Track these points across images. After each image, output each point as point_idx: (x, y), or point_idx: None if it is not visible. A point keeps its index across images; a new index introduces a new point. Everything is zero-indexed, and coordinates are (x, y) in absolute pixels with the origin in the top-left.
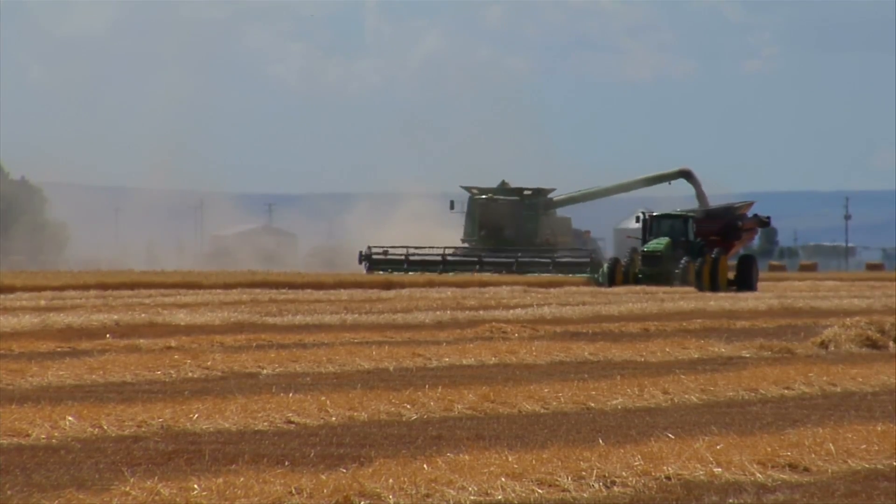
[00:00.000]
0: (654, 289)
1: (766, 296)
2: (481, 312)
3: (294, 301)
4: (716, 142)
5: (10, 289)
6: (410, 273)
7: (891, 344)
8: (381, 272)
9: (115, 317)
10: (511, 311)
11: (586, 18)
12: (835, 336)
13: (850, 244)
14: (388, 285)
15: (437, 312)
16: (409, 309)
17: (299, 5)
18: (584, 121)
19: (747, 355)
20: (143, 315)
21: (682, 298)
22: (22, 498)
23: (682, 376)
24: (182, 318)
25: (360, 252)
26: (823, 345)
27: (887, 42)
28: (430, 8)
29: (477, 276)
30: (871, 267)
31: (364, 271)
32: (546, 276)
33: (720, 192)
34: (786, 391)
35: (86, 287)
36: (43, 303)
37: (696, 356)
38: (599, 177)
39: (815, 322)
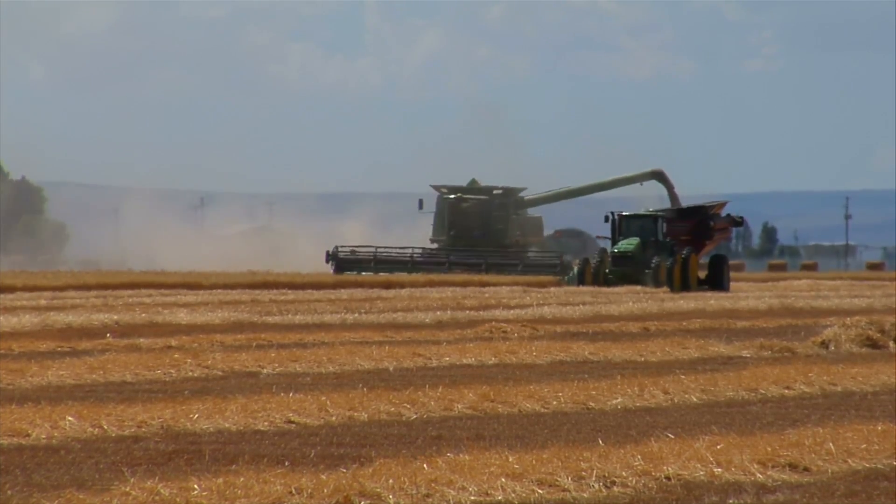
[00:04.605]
0: (653, 289)
1: (766, 295)
2: (481, 312)
3: (294, 301)
4: (715, 141)
5: (10, 289)
6: (378, 273)
7: (891, 343)
8: (349, 273)
9: (115, 316)
10: (511, 311)
11: (586, 18)
12: (835, 336)
13: (850, 244)
14: (388, 285)
15: (438, 312)
16: (410, 308)
17: (299, 5)
18: (582, 120)
19: (747, 355)
20: (143, 315)
21: (681, 298)
22: (22, 498)
23: (682, 376)
24: (182, 317)
25: (328, 252)
26: (824, 344)
27: (887, 42)
28: (431, 7)
29: (476, 277)
30: (872, 266)
31: (332, 271)
32: (514, 277)
33: (705, 193)
34: (786, 391)
35: (86, 287)
36: (43, 302)
37: (697, 356)
38: (596, 176)
39: (816, 322)
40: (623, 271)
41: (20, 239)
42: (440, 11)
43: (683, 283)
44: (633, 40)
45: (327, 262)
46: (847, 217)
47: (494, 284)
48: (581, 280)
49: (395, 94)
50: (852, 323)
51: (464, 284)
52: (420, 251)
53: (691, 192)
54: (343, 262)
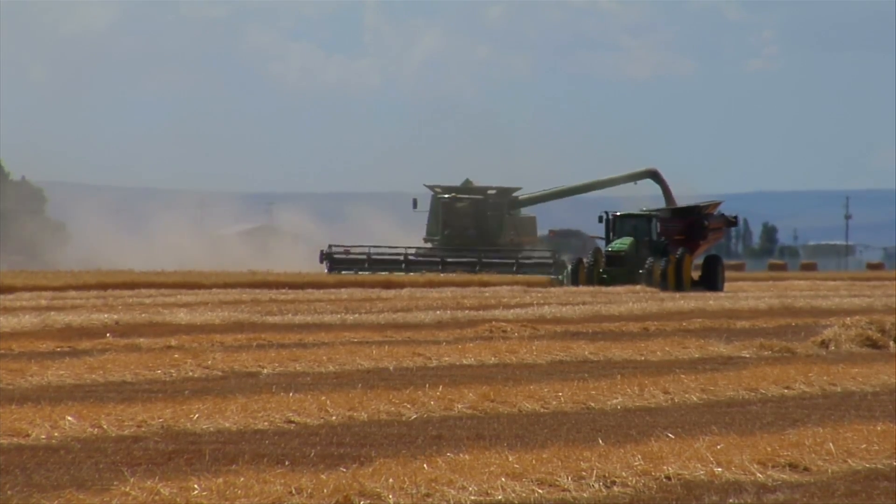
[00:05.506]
0: (651, 289)
1: (766, 295)
2: (481, 312)
3: (294, 301)
4: (716, 141)
5: (10, 289)
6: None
7: (891, 343)
8: (343, 272)
9: (115, 316)
10: (511, 311)
11: (586, 18)
12: (835, 336)
13: (850, 244)
14: (388, 285)
15: (437, 312)
16: (409, 308)
17: (299, 5)
18: (583, 119)
19: (747, 355)
20: (143, 314)
21: (682, 298)
22: (22, 498)
23: (683, 376)
24: (182, 317)
25: (322, 251)
26: (824, 344)
27: (887, 42)
28: (430, 7)
29: (476, 276)
30: (872, 266)
31: (326, 271)
32: (507, 277)
33: (705, 193)
34: (786, 391)
35: (86, 287)
36: (43, 302)
37: (697, 356)
38: (594, 177)
39: (816, 322)
40: (617, 271)
41: (20, 239)
42: (440, 11)
43: (677, 284)
44: (633, 40)
45: (321, 261)
46: (847, 217)
47: (494, 284)
48: (575, 280)
49: (394, 93)
50: (852, 323)
51: (463, 284)
52: (414, 251)
53: (691, 192)
54: (337, 263)
